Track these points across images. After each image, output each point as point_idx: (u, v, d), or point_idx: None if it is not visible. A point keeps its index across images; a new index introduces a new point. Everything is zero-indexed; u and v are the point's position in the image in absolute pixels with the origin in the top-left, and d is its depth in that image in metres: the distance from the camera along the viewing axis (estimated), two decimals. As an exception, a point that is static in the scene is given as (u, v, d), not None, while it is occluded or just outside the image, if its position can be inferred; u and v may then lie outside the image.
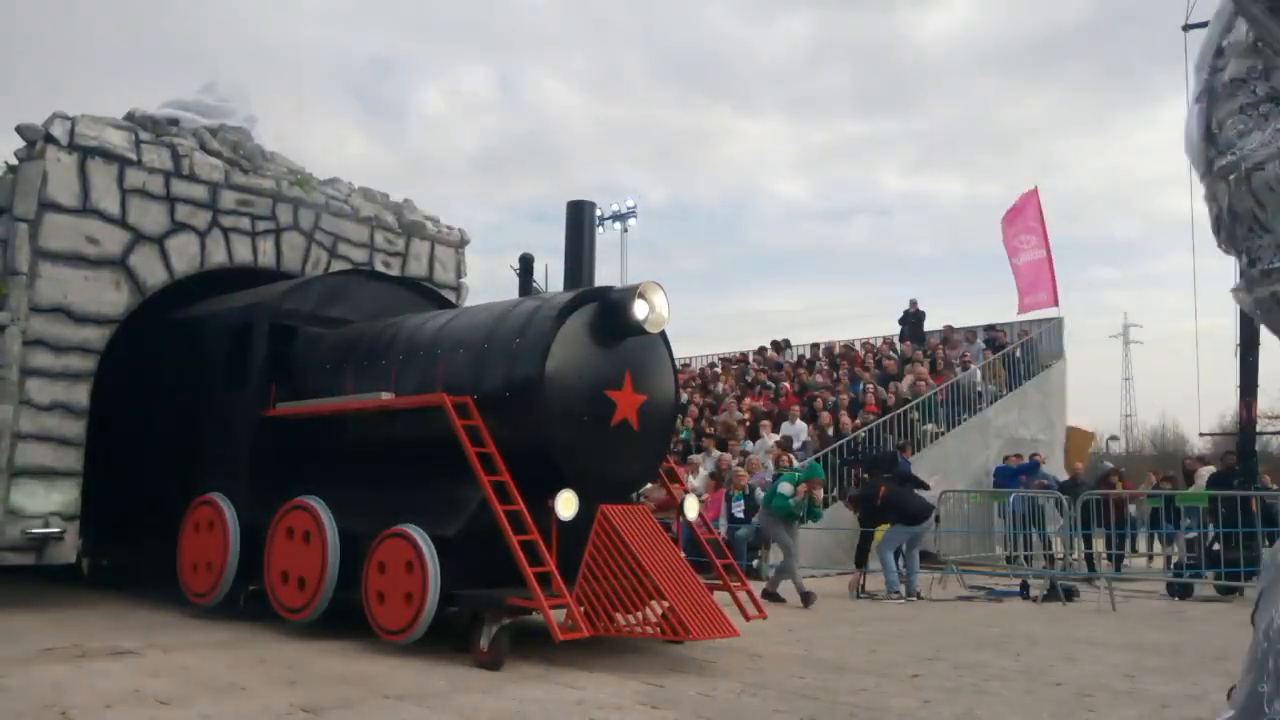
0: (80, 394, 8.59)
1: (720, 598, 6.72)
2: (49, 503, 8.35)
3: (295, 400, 7.85)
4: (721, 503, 12.96)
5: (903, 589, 10.39)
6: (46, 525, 8.30)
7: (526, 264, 8.05)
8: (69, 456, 8.51)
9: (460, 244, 11.53)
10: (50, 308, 8.44)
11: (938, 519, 11.79)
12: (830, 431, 14.87)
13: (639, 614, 6.33)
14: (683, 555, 6.77)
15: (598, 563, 6.28)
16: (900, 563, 10.51)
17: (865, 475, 12.80)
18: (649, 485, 8.70)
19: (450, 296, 10.69)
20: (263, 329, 8.13)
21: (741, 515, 12.62)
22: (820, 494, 9.76)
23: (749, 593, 7.15)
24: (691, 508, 7.39)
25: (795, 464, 12.29)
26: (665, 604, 6.26)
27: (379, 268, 10.58)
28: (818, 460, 11.25)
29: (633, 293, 6.75)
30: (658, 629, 6.30)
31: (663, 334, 7.18)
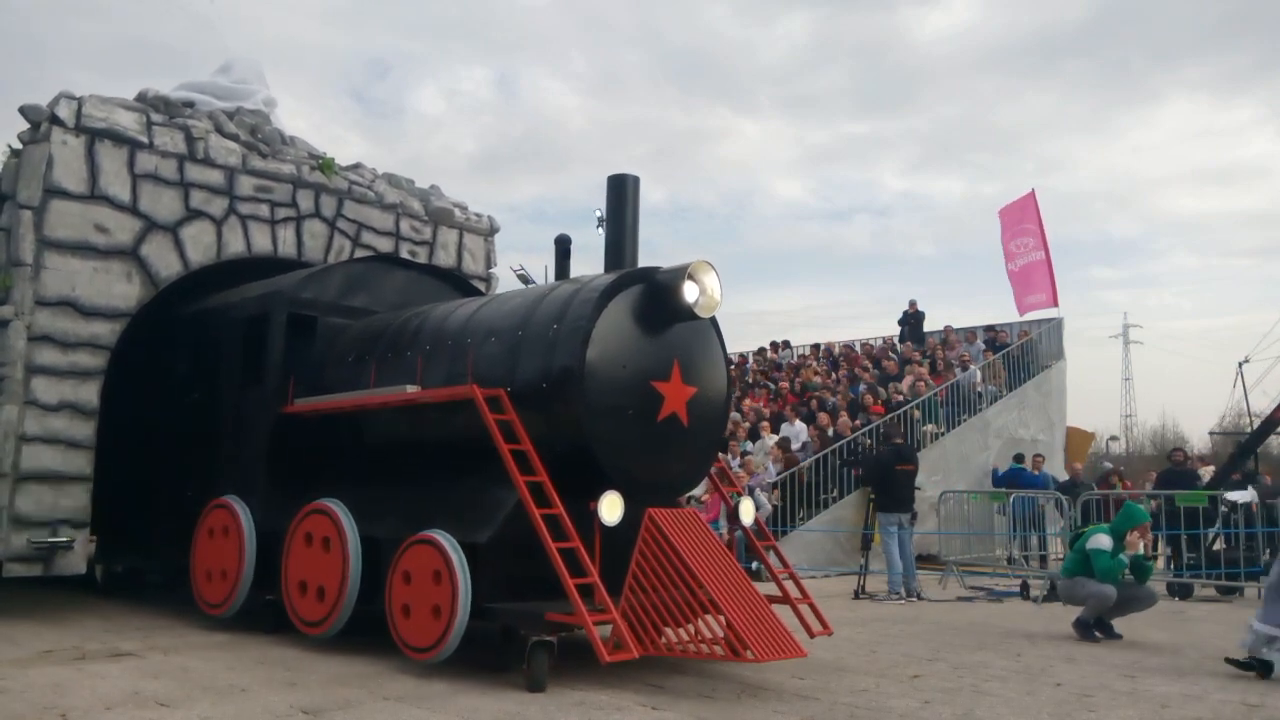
0: (90, 393, 8.05)
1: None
2: (57, 509, 7.83)
3: (315, 396, 7.27)
4: (720, 505, 12.39)
5: (903, 590, 10.35)
6: (54, 534, 7.78)
7: (563, 246, 7.42)
8: (78, 460, 7.96)
9: (490, 232, 10.93)
10: (57, 301, 7.91)
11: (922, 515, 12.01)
12: (830, 432, 14.78)
13: (690, 628, 5.69)
14: (739, 564, 6.10)
15: (645, 572, 5.64)
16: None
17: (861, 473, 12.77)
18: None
19: (480, 288, 10.09)
20: (280, 320, 7.54)
21: (740, 517, 12.15)
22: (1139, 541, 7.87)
23: (812, 606, 6.46)
24: (747, 512, 6.72)
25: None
26: (721, 619, 5.59)
27: (405, 257, 10.00)
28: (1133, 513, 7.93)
29: (681, 273, 6.10)
30: (715, 649, 5.62)
31: (713, 320, 6.54)
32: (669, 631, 5.67)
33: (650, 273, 6.33)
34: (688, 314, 6.16)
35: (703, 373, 6.46)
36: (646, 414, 6.10)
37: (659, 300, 6.20)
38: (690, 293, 6.10)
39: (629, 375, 6.06)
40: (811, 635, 6.31)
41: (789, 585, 6.58)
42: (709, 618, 5.70)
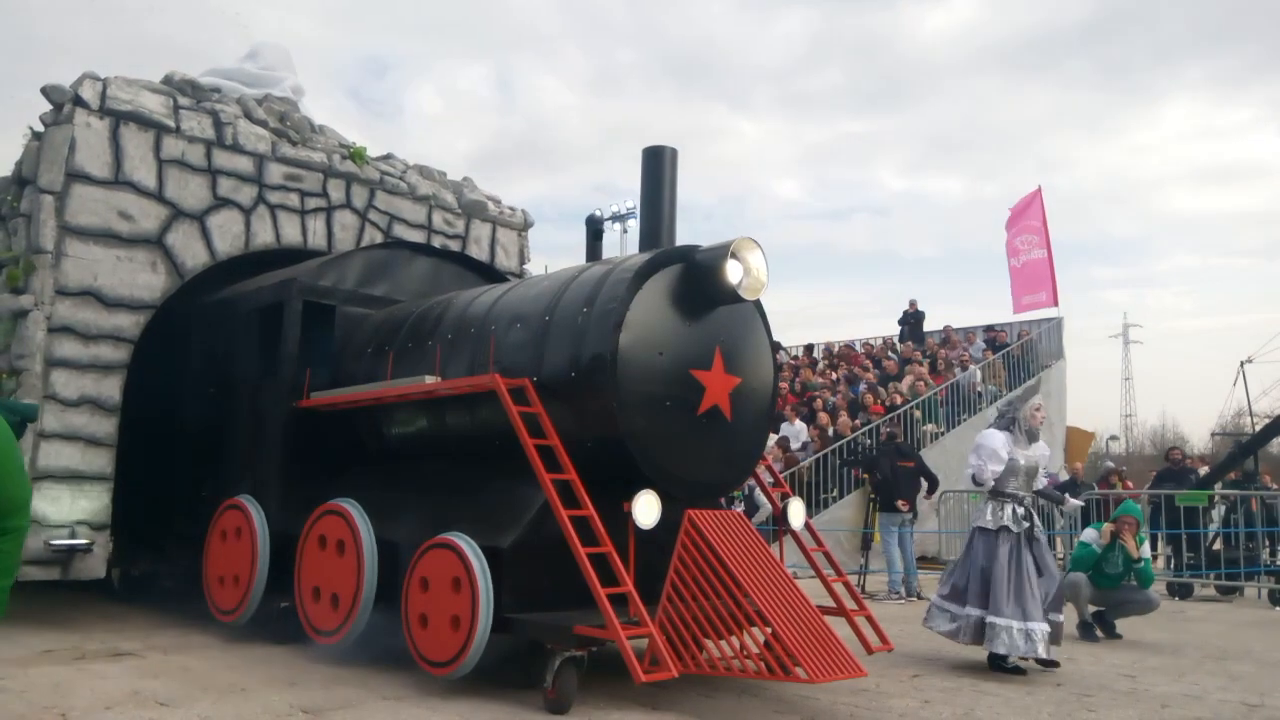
0: (112, 388, 7.72)
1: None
2: (75, 510, 7.48)
3: (332, 389, 6.84)
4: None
5: (903, 589, 10.37)
6: (72, 535, 7.44)
7: (595, 226, 6.93)
8: (99, 459, 7.62)
9: (524, 227, 10.49)
10: (78, 291, 7.59)
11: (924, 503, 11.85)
12: (830, 432, 14.80)
13: (734, 642, 5.12)
14: (790, 572, 5.51)
15: (684, 581, 5.08)
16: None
17: (865, 475, 12.53)
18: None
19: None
20: (296, 309, 7.11)
21: (741, 517, 11.72)
22: (1136, 546, 7.72)
23: (870, 619, 5.83)
24: (797, 514, 6.12)
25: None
26: (768, 631, 5.00)
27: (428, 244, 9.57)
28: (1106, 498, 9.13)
29: (724, 252, 5.54)
30: (761, 665, 5.02)
31: (758, 303, 5.96)
32: (710, 645, 5.11)
33: (689, 251, 5.77)
34: (731, 296, 5.60)
35: (747, 361, 5.88)
36: (686, 406, 5.55)
37: (699, 281, 5.64)
38: (734, 273, 5.54)
39: (666, 363, 5.51)
40: (870, 651, 5.69)
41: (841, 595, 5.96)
42: (755, 630, 5.12)
